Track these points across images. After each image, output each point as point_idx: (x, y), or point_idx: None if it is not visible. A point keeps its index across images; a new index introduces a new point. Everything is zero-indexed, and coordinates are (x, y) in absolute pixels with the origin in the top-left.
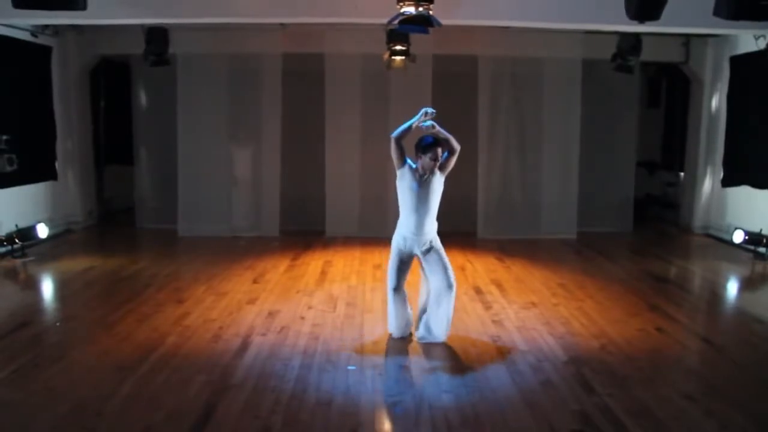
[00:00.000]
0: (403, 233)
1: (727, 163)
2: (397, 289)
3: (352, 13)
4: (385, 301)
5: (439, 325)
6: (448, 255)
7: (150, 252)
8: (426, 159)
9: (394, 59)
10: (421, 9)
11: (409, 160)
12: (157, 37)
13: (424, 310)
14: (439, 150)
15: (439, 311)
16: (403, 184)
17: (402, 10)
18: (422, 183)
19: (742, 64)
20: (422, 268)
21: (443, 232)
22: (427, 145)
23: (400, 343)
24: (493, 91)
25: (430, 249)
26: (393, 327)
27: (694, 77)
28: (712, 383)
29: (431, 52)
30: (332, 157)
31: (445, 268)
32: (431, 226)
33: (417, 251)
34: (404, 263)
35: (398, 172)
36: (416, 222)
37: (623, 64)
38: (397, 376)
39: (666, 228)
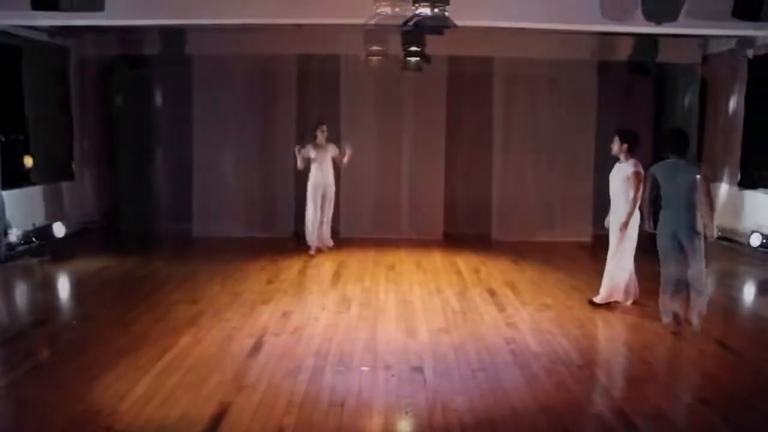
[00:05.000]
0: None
1: (744, 166)
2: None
3: (368, 14)
4: (399, 302)
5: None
6: (461, 257)
7: (165, 252)
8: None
9: (409, 60)
10: (436, 10)
11: (652, 171)
12: (173, 38)
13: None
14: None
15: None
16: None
17: (418, 11)
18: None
19: (760, 66)
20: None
21: (456, 234)
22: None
23: (414, 345)
24: (508, 93)
25: None
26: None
27: (710, 79)
28: (728, 388)
29: (446, 54)
30: (347, 157)
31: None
32: None
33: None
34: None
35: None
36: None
37: (639, 65)
38: (411, 378)
39: None
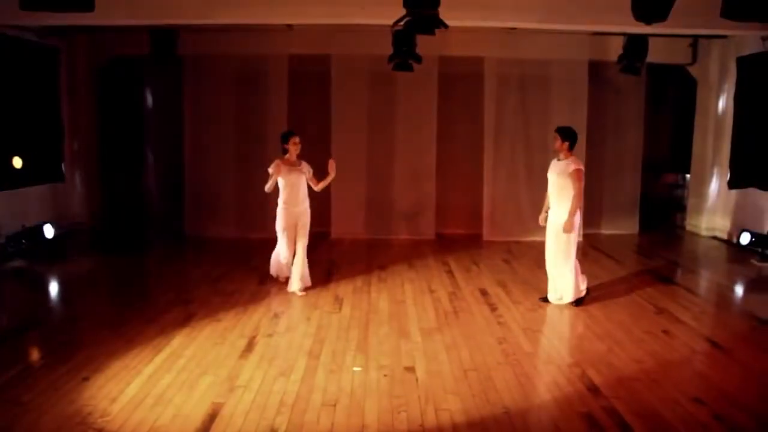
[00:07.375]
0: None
1: (733, 165)
2: None
3: (359, 15)
4: (391, 302)
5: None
6: (453, 257)
7: (157, 253)
8: None
9: (400, 60)
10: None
11: None
12: (164, 38)
13: None
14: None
15: None
16: None
17: (408, 12)
18: None
19: (749, 65)
20: None
21: (448, 234)
22: None
23: (406, 345)
24: (499, 93)
25: None
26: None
27: (700, 78)
28: (720, 386)
29: (437, 54)
30: (338, 158)
31: None
32: None
33: None
34: None
35: None
36: None
37: (630, 65)
38: (403, 378)
39: (672, 230)
